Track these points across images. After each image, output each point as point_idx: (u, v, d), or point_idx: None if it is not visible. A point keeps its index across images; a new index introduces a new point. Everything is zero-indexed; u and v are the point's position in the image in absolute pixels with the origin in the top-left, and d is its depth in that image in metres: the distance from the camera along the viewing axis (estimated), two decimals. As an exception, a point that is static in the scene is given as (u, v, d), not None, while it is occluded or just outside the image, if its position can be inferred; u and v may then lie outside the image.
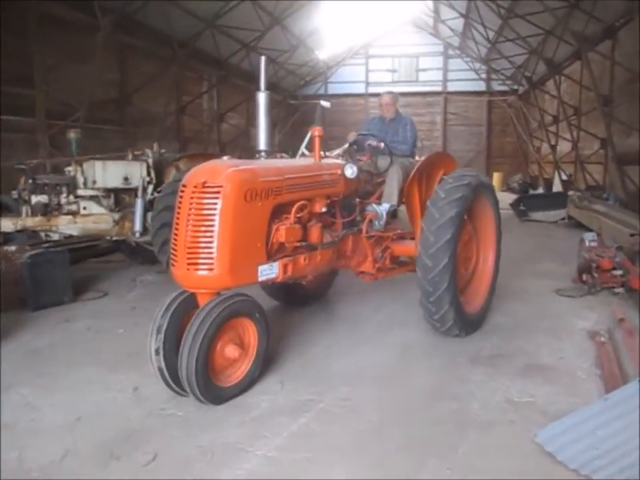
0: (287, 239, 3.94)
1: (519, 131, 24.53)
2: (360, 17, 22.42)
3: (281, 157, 12.34)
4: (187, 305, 3.68)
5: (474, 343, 4.74)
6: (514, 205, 14.25)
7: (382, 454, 3.04)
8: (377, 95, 24.02)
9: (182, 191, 3.66)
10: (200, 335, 3.36)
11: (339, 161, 4.81)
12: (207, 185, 3.54)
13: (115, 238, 7.13)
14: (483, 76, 26.18)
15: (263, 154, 4.17)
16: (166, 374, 3.56)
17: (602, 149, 14.62)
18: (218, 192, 3.53)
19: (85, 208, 6.78)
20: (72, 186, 6.79)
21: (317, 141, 4.51)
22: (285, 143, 24.13)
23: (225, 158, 4.42)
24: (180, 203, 3.65)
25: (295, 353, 4.50)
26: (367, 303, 6.02)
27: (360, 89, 27.88)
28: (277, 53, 20.55)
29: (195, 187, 3.55)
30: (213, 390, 3.51)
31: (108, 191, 6.91)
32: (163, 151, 7.58)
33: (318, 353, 4.53)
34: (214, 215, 3.50)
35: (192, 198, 3.55)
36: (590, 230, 11.15)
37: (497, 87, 25.80)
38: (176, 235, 3.63)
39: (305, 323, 5.30)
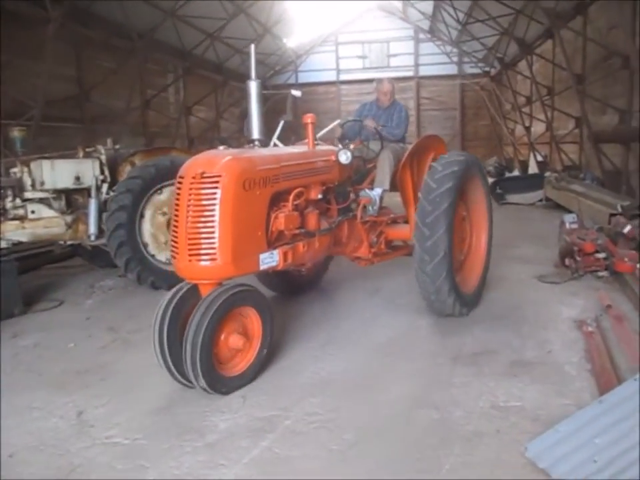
0: (286, 226, 3.95)
1: (492, 114, 24.33)
2: (328, 3, 21.91)
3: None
4: (190, 297, 3.66)
5: (455, 338, 4.40)
6: (491, 189, 13.97)
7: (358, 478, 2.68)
8: (348, 82, 23.66)
9: (180, 182, 3.64)
10: (203, 324, 3.34)
11: (333, 147, 4.85)
12: (205, 175, 3.53)
13: (69, 242, 6.63)
14: (455, 59, 25.86)
15: (256, 143, 4.16)
16: (171, 366, 3.55)
17: (577, 128, 14.46)
18: (217, 182, 3.52)
19: (33, 212, 6.25)
20: (18, 188, 6.25)
21: (310, 128, 4.50)
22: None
23: (221, 148, 4.38)
24: (178, 194, 3.63)
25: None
26: (349, 296, 5.70)
27: (331, 76, 27.36)
28: (243, 42, 19.93)
29: (194, 177, 3.54)
30: (218, 379, 3.49)
31: (58, 192, 6.40)
32: (117, 146, 7.08)
33: (285, 359, 4.14)
34: (214, 204, 3.50)
35: (191, 189, 3.54)
36: (569, 211, 10.98)
37: (469, 69, 25.52)
38: (176, 226, 3.61)
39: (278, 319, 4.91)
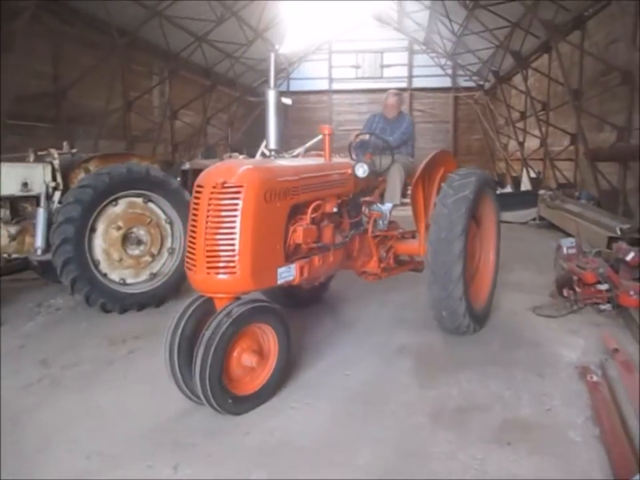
0: (305, 240, 3.89)
1: (485, 128, 23.92)
2: (322, 11, 21.42)
3: (229, 157, 11.40)
4: (205, 310, 3.53)
5: (438, 389, 3.77)
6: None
7: None
8: (341, 91, 23.13)
9: (198, 192, 3.52)
10: (214, 340, 3.20)
11: (348, 160, 4.91)
12: (226, 185, 3.42)
13: (14, 255, 5.95)
14: (449, 72, 25.50)
15: (273, 153, 4.07)
16: (182, 384, 3.43)
17: (572, 144, 14.00)
18: (238, 192, 3.42)
19: (-29, 220, 5.59)
20: (-44, 194, 5.58)
21: (327, 140, 4.50)
22: (244, 142, 23.16)
23: (241, 157, 4.67)
24: (197, 204, 3.51)
25: (206, 413, 3.42)
26: (320, 331, 5.06)
27: (323, 85, 26.90)
28: (233, 46, 19.41)
29: (214, 187, 3.42)
30: (229, 399, 3.34)
31: (4, 200, 5.74)
32: (74, 150, 6.40)
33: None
34: (235, 215, 3.40)
35: (210, 199, 3.43)
36: (564, 232, 10.45)
37: (463, 83, 25.17)
38: (193, 237, 3.49)
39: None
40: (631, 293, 5.05)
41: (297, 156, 16.27)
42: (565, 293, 5.62)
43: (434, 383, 3.87)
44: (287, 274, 3.80)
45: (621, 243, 6.29)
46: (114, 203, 5.56)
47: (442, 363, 4.22)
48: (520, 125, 18.78)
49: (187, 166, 9.88)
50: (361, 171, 4.58)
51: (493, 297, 5.31)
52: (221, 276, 3.39)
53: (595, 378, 3.82)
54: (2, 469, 2.82)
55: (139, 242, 5.81)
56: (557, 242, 9.51)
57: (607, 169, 10.99)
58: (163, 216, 5.97)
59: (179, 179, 9.88)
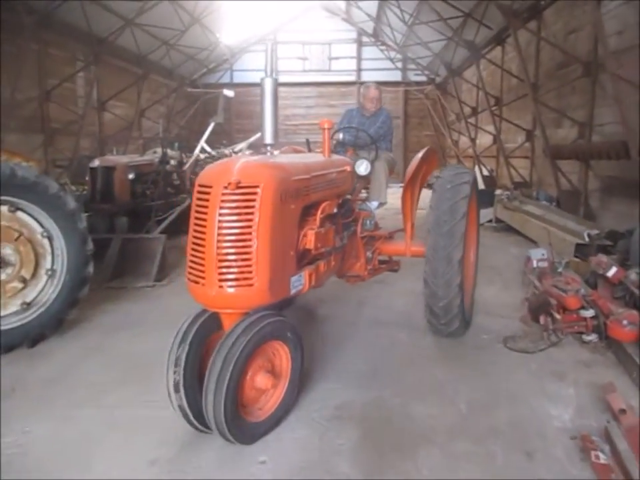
0: (316, 245, 3.55)
1: (436, 123, 23.22)
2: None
3: (154, 152, 9.99)
4: (209, 329, 3.18)
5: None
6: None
7: None
8: (287, 84, 21.89)
9: (205, 193, 3.11)
10: (229, 365, 2.81)
11: (345, 158, 4.73)
12: (241, 184, 3.03)
13: None
14: (399, 65, 24.65)
15: (269, 148, 3.61)
16: (187, 411, 3.02)
17: (527, 141, 13.30)
18: (254, 192, 3.06)
19: None
20: None
21: (326, 135, 4.27)
22: (184, 136, 21.55)
23: (247, 153, 3.57)
24: (204, 206, 3.09)
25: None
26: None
27: (269, 77, 25.53)
28: (168, 32, 17.82)
29: (226, 187, 3.02)
30: (243, 428, 3.00)
31: None
32: None
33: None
34: (251, 219, 3.03)
35: (223, 200, 3.03)
36: (521, 235, 9.64)
37: (413, 77, 24.36)
38: (200, 245, 3.07)
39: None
40: (624, 323, 4.10)
41: (239, 152, 15.21)
42: (542, 320, 4.63)
43: (385, 473, 2.75)
44: (298, 283, 3.47)
45: (601, 255, 5.38)
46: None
47: (396, 436, 3.10)
48: (472, 120, 18.10)
49: (96, 163, 8.44)
50: (363, 168, 4.47)
51: (473, 298, 5.18)
52: (235, 289, 3.00)
53: (602, 458, 2.79)
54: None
55: (4, 263, 4.46)
56: (518, 248, 8.75)
57: (566, 167, 10.25)
58: (38, 229, 4.64)
59: (87, 178, 8.48)
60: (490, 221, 11.45)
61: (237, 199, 3.02)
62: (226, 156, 12.96)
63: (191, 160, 11.71)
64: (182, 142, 13.68)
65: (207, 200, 3.06)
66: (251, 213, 3.02)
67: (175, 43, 19.11)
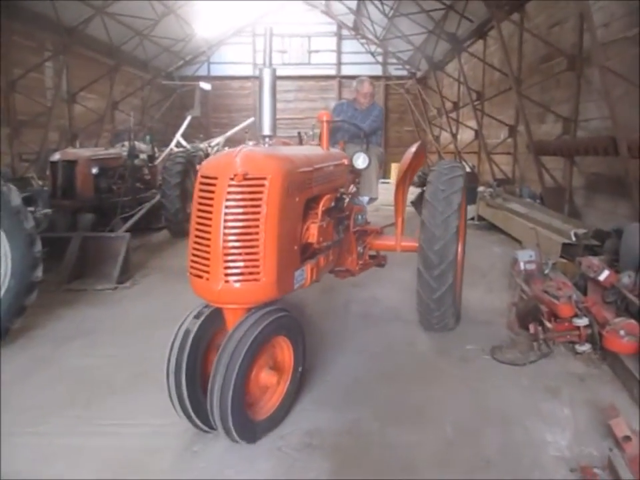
0: (318, 239, 3.49)
1: (417, 118, 22.92)
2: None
3: (122, 146, 9.47)
4: (211, 323, 3.07)
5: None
6: (416, 203, 12.06)
7: None
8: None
9: (209, 184, 2.97)
10: (235, 364, 2.73)
11: (341, 151, 4.72)
12: (248, 176, 2.91)
13: None
14: (380, 59, 24.29)
15: (267, 140, 3.44)
16: (189, 409, 2.91)
17: (510, 137, 13.04)
18: (262, 184, 2.95)
19: None
20: None
21: (325, 127, 4.29)
22: (159, 129, 20.93)
23: (250, 143, 3.85)
24: (208, 198, 2.95)
25: None
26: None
27: (247, 70, 24.93)
28: (140, 21, 17.17)
29: (232, 179, 2.89)
30: (248, 427, 2.91)
31: None
32: None
33: None
34: (258, 212, 2.92)
35: (229, 192, 2.90)
36: (505, 233, 9.35)
37: (394, 71, 24.01)
38: (203, 238, 2.94)
39: None
40: (621, 333, 3.77)
41: (216, 146, 14.70)
42: (532, 328, 4.28)
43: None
44: (301, 278, 3.41)
45: (592, 257, 5.06)
46: None
47: (373, 469, 2.71)
48: (453, 115, 17.82)
49: (56, 157, 7.91)
50: (360, 161, 4.42)
51: (461, 294, 5.16)
52: (241, 284, 2.91)
53: (608, 496, 2.44)
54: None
55: None
56: (502, 247, 8.45)
57: (550, 164, 9.99)
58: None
59: (48, 172, 7.96)
60: (472, 218, 11.11)
61: (243, 190, 2.92)
62: (201, 150, 12.49)
63: (164, 154, 11.21)
64: (153, 135, 13.13)
65: (212, 192, 2.95)
66: (258, 206, 2.94)
67: (149, 34, 18.46)
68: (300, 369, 3.32)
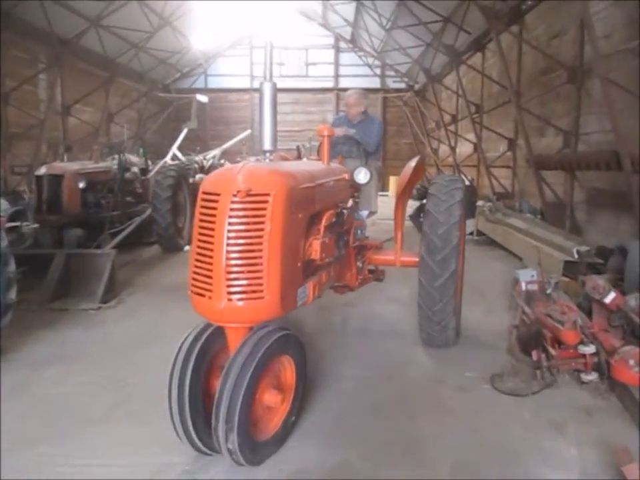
0: (321, 255, 3.43)
1: (415, 131, 22.79)
2: (240, 3, 19.42)
3: (113, 159, 9.26)
4: (212, 344, 3.03)
5: None
6: (414, 217, 11.80)
7: None
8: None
9: (211, 201, 2.93)
10: (241, 385, 2.68)
11: (341, 166, 4.70)
12: (252, 192, 2.85)
13: None
14: (378, 72, 24.21)
15: (268, 154, 3.35)
16: (191, 432, 2.85)
17: (509, 150, 12.85)
18: (265, 201, 2.91)
19: None
20: None
21: (325, 142, 4.24)
22: (155, 142, 20.75)
23: (252, 159, 3.63)
24: (211, 215, 2.91)
25: None
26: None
27: (244, 83, 24.87)
28: (136, 33, 17.05)
29: (235, 195, 2.84)
30: (253, 449, 2.83)
31: None
32: None
33: None
34: (261, 229, 2.89)
35: (232, 209, 2.85)
36: (504, 249, 9.12)
37: (392, 84, 23.93)
38: (206, 255, 2.89)
39: None
40: (631, 363, 3.52)
41: (213, 158, 14.49)
42: (534, 355, 4.03)
43: None
44: (304, 294, 3.37)
45: (596, 277, 4.81)
46: None
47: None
48: (452, 128, 17.67)
49: (42, 171, 7.69)
50: (362, 176, 4.42)
51: (461, 308, 5.09)
52: (245, 302, 2.86)
53: None
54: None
55: None
56: (502, 264, 8.21)
57: (550, 178, 9.77)
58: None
59: (34, 186, 7.74)
60: (471, 233, 10.88)
61: (246, 207, 2.88)
62: (196, 163, 12.28)
63: (157, 167, 10.99)
64: (147, 147, 12.93)
65: (215, 208, 2.90)
66: (262, 222, 2.90)
67: (144, 46, 18.34)
68: (303, 385, 3.26)
